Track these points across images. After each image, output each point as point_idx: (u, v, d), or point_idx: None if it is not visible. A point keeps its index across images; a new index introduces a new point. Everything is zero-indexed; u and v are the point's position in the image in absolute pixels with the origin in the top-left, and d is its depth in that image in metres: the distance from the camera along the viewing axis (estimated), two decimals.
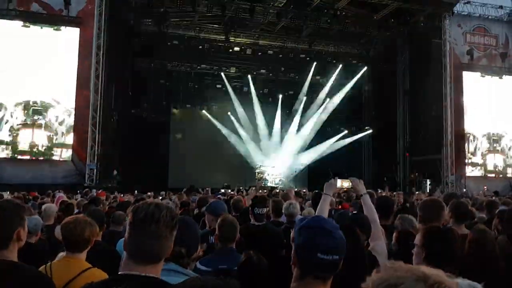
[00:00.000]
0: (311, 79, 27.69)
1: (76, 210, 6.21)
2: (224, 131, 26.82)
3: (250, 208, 4.65)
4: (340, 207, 5.75)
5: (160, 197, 11.39)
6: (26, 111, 18.29)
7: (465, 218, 3.79)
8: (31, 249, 3.25)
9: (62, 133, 18.68)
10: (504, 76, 24.38)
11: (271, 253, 3.17)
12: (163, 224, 1.63)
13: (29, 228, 3.07)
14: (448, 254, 2.23)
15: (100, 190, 13.24)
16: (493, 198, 11.60)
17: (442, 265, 2.15)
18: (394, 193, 13.44)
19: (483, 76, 23.99)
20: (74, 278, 2.51)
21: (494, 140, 23.87)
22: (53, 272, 2.56)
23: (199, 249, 2.31)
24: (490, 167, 23.80)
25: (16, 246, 2.14)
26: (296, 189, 13.13)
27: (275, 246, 3.62)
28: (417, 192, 12.95)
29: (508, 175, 23.94)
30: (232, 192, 13.60)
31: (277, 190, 15.83)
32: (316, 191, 9.66)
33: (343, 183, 3.26)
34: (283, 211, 5.02)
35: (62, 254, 2.79)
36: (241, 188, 18.30)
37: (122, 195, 12.42)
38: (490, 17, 24.64)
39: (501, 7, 24.76)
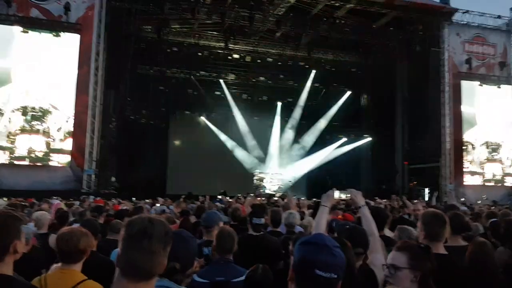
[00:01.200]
0: (310, 86, 27.75)
1: (71, 218, 6.16)
2: (223, 137, 26.82)
3: (248, 218, 4.61)
4: (340, 217, 5.69)
5: (158, 204, 11.32)
6: (24, 117, 18.25)
7: (462, 230, 3.76)
8: (25, 259, 3.21)
9: (60, 139, 18.61)
10: (502, 85, 24.44)
11: (269, 265, 3.13)
12: (156, 240, 1.59)
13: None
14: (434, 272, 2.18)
15: (98, 198, 13.17)
16: (492, 207, 11.62)
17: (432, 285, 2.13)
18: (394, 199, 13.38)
19: (481, 85, 24.04)
20: None
21: (492, 149, 23.88)
22: (48, 284, 2.52)
23: (196, 264, 2.26)
24: (488, 176, 23.78)
25: (12, 259, 2.10)
26: (295, 197, 13.04)
27: (273, 257, 3.58)
28: (415, 201, 12.85)
29: (506, 184, 23.93)
30: (230, 200, 13.53)
31: (276, 198, 15.78)
32: (315, 199, 9.64)
33: (341, 195, 3.23)
34: (282, 221, 4.98)
35: (57, 265, 2.75)
36: (239, 195, 18.23)
37: (118, 201, 12.32)
38: (488, 26, 24.72)
39: (499, 16, 24.89)
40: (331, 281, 1.56)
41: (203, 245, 3.80)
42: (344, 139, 28.53)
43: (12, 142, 18.10)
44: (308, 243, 1.64)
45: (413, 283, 2.10)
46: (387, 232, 4.25)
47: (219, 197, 14.54)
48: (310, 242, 1.64)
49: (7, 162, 17.98)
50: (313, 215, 6.07)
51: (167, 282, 2.03)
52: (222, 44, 25.52)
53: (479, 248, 3.23)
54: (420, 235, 3.13)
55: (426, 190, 23.20)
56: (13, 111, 18.16)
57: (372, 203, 9.21)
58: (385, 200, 14.81)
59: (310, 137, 27.96)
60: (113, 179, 21.02)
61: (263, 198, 16.03)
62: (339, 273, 1.58)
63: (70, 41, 18.80)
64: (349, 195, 3.22)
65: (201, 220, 4.37)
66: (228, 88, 27.03)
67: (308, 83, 27.46)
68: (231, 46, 25.68)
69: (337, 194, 3.22)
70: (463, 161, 23.31)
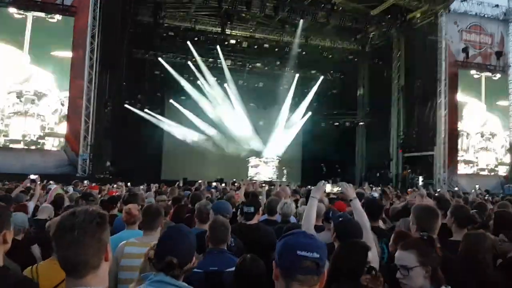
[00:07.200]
0: (307, 73, 27.62)
1: (67, 204, 6.14)
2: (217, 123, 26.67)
3: (240, 207, 4.62)
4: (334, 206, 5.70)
5: (153, 189, 11.29)
6: (19, 100, 18.11)
7: (468, 223, 3.74)
8: (18, 246, 3.20)
9: (55, 122, 18.53)
10: (498, 75, 24.47)
11: (263, 254, 3.13)
12: (79, 231, 1.47)
13: (16, 224, 3.01)
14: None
15: (94, 184, 13.13)
16: (486, 197, 11.72)
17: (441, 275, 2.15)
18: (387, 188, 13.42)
19: (478, 74, 24.06)
20: (61, 282, 2.43)
21: (486, 138, 23.99)
22: (40, 275, 2.50)
23: (194, 260, 2.18)
24: (482, 165, 23.93)
25: (2, 249, 2.09)
26: (287, 185, 13.01)
27: (267, 247, 3.58)
28: (409, 189, 12.91)
29: (500, 173, 24.11)
30: (225, 186, 13.55)
31: (272, 186, 15.77)
32: (309, 186, 9.65)
33: (333, 188, 3.23)
34: (277, 210, 4.97)
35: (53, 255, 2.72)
36: (235, 180, 18.27)
37: (113, 187, 12.31)
38: (486, 15, 24.67)
39: (497, 5, 24.83)
40: (315, 261, 1.55)
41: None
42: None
43: (7, 125, 18.01)
44: (290, 233, 1.66)
45: (425, 279, 2.14)
46: (381, 223, 4.27)
47: (214, 184, 14.50)
48: (292, 232, 1.67)
49: (1, 145, 17.90)
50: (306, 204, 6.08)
51: (163, 276, 1.99)
52: (219, 29, 25.29)
53: (472, 240, 3.18)
54: (412, 228, 3.14)
55: (420, 178, 23.32)
56: (8, 94, 18.03)
57: (367, 192, 9.15)
58: (379, 188, 14.87)
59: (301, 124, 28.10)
60: (108, 164, 20.96)
61: (263, 184, 15.89)
62: (322, 254, 1.57)
63: (65, 24, 18.60)
64: (340, 188, 3.23)
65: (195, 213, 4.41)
66: (225, 73, 26.80)
67: (305, 70, 27.34)
68: (228, 31, 25.45)
69: (329, 187, 3.22)
70: (458, 149, 23.42)
